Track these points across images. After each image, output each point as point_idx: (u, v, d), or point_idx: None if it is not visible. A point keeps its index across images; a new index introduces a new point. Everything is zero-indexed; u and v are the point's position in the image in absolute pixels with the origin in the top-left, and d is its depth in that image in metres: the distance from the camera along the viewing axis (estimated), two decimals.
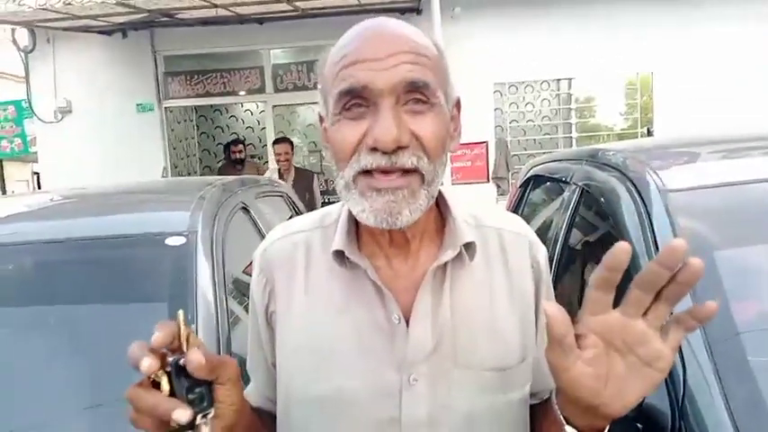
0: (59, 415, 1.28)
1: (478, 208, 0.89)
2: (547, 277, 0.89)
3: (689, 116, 6.29)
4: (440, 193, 0.81)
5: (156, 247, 1.52)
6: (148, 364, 0.58)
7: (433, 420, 0.77)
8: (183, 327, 0.62)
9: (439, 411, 0.77)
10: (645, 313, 0.58)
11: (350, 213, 0.80)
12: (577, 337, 0.60)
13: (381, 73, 0.70)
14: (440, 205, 0.84)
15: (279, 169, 5.16)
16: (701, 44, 6.50)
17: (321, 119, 0.82)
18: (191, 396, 0.61)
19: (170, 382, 0.60)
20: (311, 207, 4.15)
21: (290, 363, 0.83)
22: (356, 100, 0.72)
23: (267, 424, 0.88)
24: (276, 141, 5.37)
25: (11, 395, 1.33)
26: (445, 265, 0.79)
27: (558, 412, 0.67)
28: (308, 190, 5.01)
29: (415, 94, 0.72)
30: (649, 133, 6.89)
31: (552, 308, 0.58)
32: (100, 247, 1.54)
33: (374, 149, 0.71)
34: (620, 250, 0.56)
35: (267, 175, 5.20)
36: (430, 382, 0.77)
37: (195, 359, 0.59)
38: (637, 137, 6.97)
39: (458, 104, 0.81)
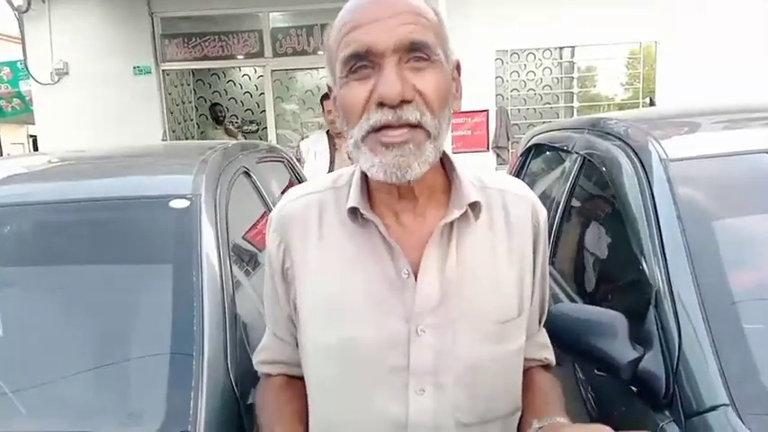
0: (64, 372, 1.30)
1: (482, 172, 0.93)
2: (545, 239, 0.94)
3: (692, 87, 6.25)
4: (446, 155, 0.86)
5: (160, 210, 1.53)
6: None
7: (438, 368, 0.82)
8: None
9: (444, 360, 0.82)
10: None
11: (362, 174, 0.84)
12: None
13: (383, 34, 0.74)
14: (446, 167, 0.88)
15: (328, 131, 4.06)
16: (706, 15, 6.42)
17: (330, 89, 0.86)
18: None
19: None
20: None
21: (307, 314, 0.88)
22: (361, 62, 0.76)
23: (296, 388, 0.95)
24: (324, 97, 4.07)
25: (17, 354, 1.36)
26: (452, 223, 0.84)
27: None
28: None
29: (417, 52, 0.76)
30: (652, 103, 6.85)
31: None
32: (105, 208, 1.55)
33: (381, 105, 0.75)
34: None
35: (314, 136, 4.13)
36: (436, 332, 0.82)
37: None
38: (638, 107, 6.93)
39: (458, 67, 0.85)
